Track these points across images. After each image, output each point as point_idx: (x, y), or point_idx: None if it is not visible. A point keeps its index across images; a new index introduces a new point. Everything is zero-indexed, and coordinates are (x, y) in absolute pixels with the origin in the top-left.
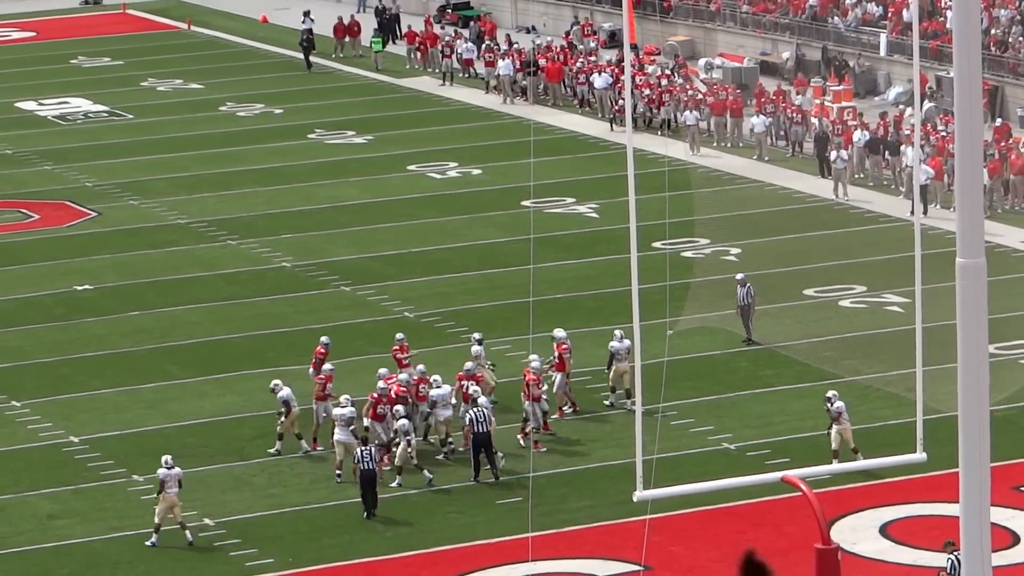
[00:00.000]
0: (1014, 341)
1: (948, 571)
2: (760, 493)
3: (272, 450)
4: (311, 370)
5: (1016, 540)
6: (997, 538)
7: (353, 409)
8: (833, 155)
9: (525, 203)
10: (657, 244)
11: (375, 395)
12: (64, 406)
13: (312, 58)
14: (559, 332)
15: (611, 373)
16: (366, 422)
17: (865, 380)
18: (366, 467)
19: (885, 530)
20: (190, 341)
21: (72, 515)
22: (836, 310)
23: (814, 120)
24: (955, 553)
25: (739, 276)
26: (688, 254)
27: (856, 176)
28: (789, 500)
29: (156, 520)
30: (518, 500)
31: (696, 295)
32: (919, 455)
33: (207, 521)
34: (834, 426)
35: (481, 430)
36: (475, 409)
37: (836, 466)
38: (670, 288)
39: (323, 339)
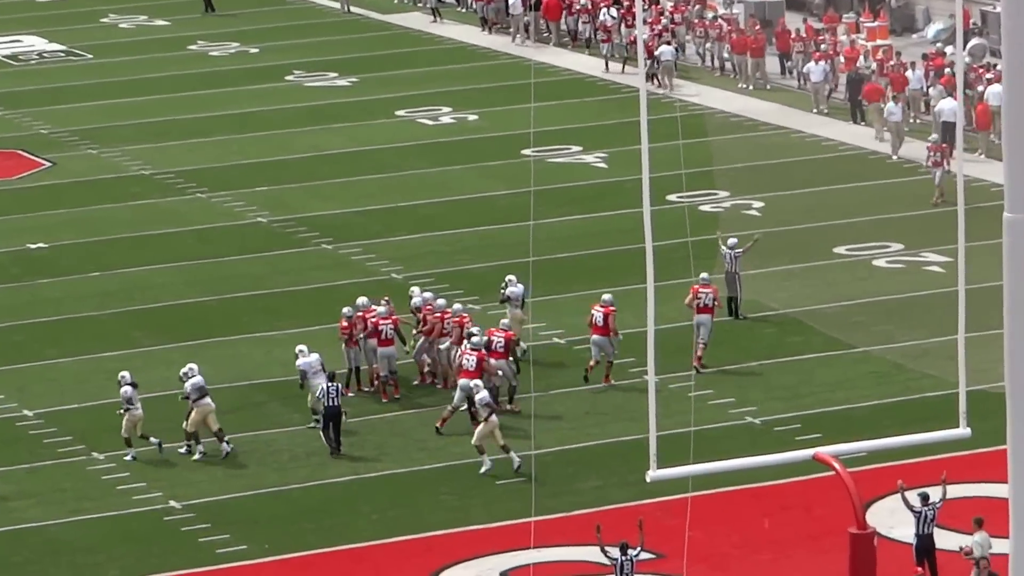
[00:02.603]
0: None
1: (919, 518)
2: (788, 473)
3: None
4: (345, 345)
5: None
6: None
7: None
8: (887, 108)
9: (525, 152)
10: (672, 197)
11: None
12: (17, 376)
13: None
14: (416, 288)
15: (509, 319)
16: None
17: (901, 348)
18: (331, 403)
19: None
20: (156, 305)
21: (27, 496)
22: (870, 270)
23: (865, 61)
24: (929, 504)
25: (731, 240)
26: (706, 208)
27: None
28: (820, 480)
29: None
30: (519, 481)
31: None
32: (962, 430)
33: (173, 503)
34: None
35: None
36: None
37: (872, 443)
38: (691, 245)
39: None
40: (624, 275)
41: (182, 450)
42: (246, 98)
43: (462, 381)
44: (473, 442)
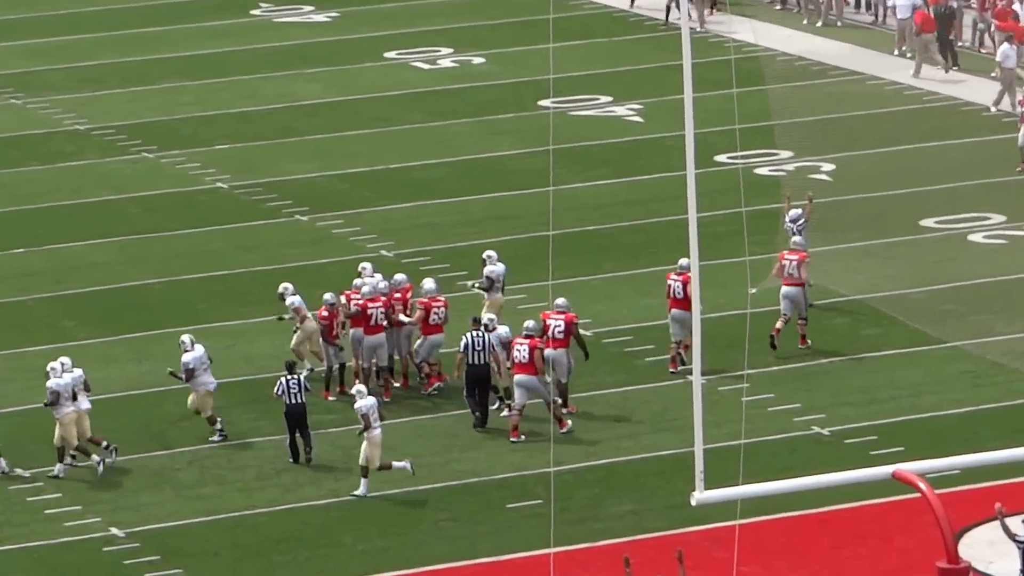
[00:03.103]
0: None
1: None
2: (863, 494)
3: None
4: (324, 339)
5: None
6: None
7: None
8: (1000, 51)
9: (543, 103)
10: (722, 158)
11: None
12: None
13: None
14: (367, 265)
15: (485, 306)
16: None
17: (1001, 342)
18: (292, 400)
19: None
20: (93, 288)
21: None
22: (964, 247)
23: None
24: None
25: (793, 212)
26: (764, 171)
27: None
28: (903, 503)
29: None
30: (535, 504)
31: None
32: None
33: (115, 531)
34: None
35: (478, 361)
36: (474, 332)
37: (966, 458)
38: (746, 217)
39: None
40: (663, 253)
41: (101, 466)
42: (202, 37)
43: (519, 378)
44: (377, 466)
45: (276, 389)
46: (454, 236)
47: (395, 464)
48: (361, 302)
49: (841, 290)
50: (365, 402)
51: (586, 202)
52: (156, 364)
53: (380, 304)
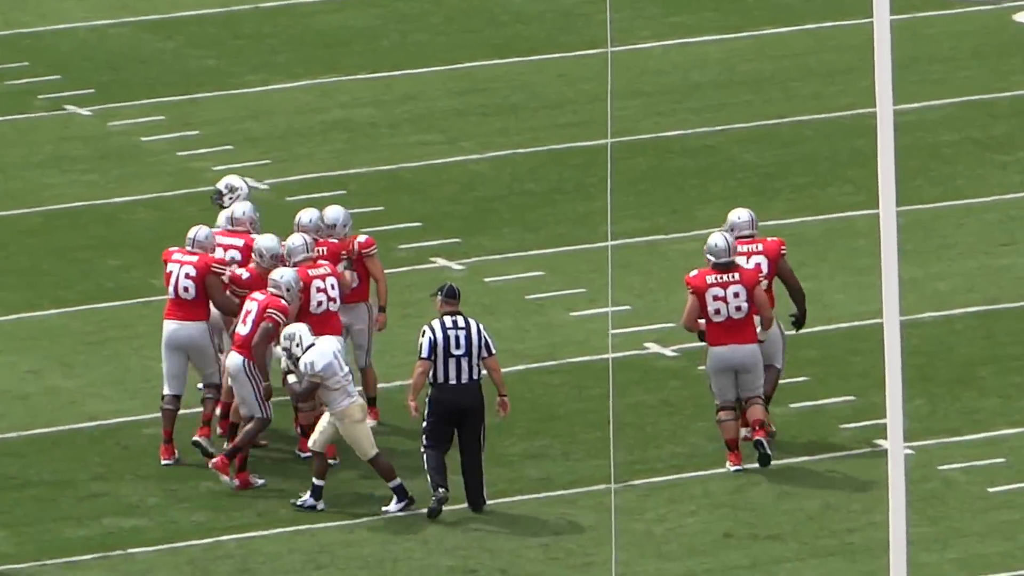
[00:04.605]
0: None
1: None
2: None
3: None
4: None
5: None
6: None
7: None
8: None
9: None
10: None
11: None
12: None
13: None
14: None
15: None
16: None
17: None
18: None
19: None
20: None
21: None
22: None
23: None
24: None
25: None
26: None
27: None
28: None
29: None
30: None
31: None
32: None
33: None
34: None
35: (458, 376)
36: (446, 319)
37: None
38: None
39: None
40: (812, 189)
41: None
42: None
43: (724, 351)
44: None
45: None
46: (399, 151)
47: None
48: (225, 271)
49: None
50: None
51: (660, 81)
52: None
53: (245, 272)
